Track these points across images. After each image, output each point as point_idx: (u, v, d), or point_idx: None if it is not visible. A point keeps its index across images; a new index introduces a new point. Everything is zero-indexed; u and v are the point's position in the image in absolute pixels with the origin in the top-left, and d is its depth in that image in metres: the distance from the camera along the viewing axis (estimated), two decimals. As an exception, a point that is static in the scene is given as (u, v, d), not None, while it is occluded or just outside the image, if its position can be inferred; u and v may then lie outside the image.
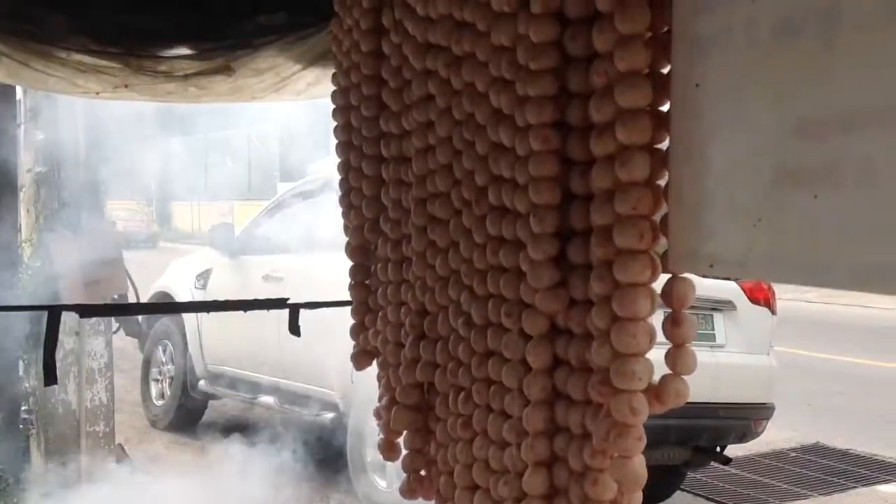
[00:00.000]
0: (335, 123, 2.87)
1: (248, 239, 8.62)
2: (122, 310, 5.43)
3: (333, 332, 6.10)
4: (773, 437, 8.27)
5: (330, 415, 7.28)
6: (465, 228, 2.19)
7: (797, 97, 1.44)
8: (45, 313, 2.92)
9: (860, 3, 1.33)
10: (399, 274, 2.52)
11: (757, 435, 6.91)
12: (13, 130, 7.17)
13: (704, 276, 1.78)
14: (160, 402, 9.20)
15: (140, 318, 8.89)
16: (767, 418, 6.82)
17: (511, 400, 1.99)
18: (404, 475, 2.48)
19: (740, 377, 6.56)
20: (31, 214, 7.32)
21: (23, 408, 6.54)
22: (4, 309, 4.81)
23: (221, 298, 7.05)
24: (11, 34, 3.13)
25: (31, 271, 6.80)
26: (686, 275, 1.74)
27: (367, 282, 2.75)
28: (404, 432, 2.49)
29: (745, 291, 6.66)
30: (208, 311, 6.61)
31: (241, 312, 6.97)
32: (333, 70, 2.93)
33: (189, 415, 9.01)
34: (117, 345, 8.26)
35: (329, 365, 6.97)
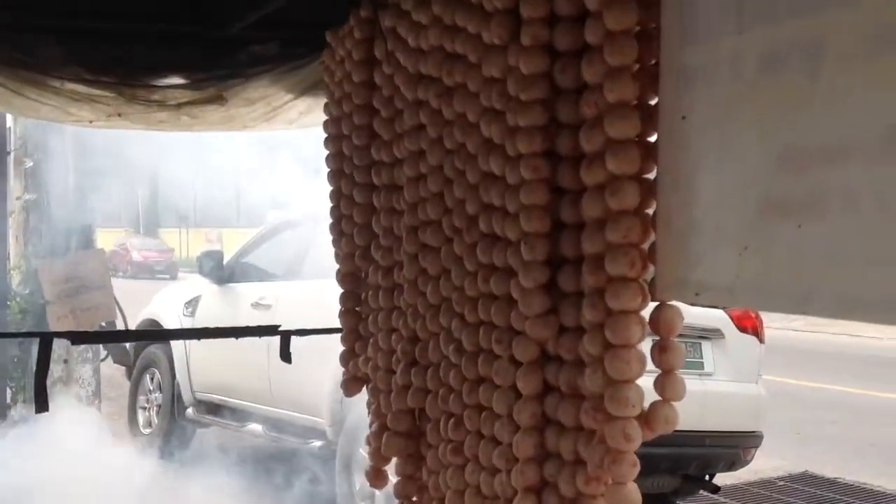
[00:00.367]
0: (327, 152, 2.90)
1: (236, 266, 8.61)
2: (113, 336, 5.43)
3: (322, 359, 6.10)
4: (762, 465, 8.27)
5: (318, 443, 7.25)
6: (456, 256, 2.21)
7: (782, 129, 1.47)
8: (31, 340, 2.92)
9: (843, 37, 1.37)
10: (390, 301, 2.53)
11: (746, 463, 6.91)
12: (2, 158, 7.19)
13: (692, 304, 1.80)
14: (147, 430, 9.14)
15: (128, 345, 8.87)
16: (756, 447, 6.83)
17: (501, 426, 2.01)
18: (396, 502, 2.48)
19: (729, 405, 6.57)
20: (19, 242, 7.32)
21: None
22: (-5, 336, 4.81)
23: (210, 326, 7.04)
24: (5, 63, 3.15)
25: (20, 298, 6.79)
26: (673, 303, 1.77)
27: (357, 309, 2.77)
28: (394, 459, 2.50)
29: (732, 320, 6.68)
30: (200, 339, 6.61)
31: (229, 340, 6.98)
32: (324, 100, 2.97)
33: (177, 443, 8.96)
34: (105, 372, 8.23)
35: (317, 392, 6.96)
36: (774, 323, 13.07)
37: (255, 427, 7.95)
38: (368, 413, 2.64)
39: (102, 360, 7.23)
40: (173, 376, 8.77)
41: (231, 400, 8.21)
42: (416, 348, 2.39)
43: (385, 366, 2.53)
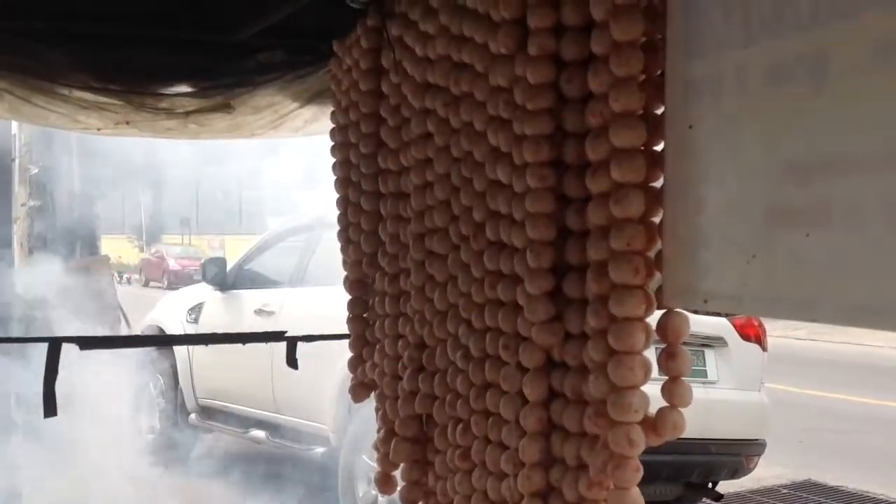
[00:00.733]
0: (333, 160, 2.93)
1: (239, 273, 8.64)
2: (122, 342, 5.44)
3: (325, 365, 6.12)
4: (765, 473, 8.27)
5: (321, 449, 7.26)
6: (462, 263, 2.23)
7: (788, 140, 1.49)
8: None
9: (847, 50, 1.39)
10: (397, 307, 2.55)
11: (749, 471, 6.92)
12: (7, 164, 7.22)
13: (695, 312, 1.82)
14: (150, 436, 9.15)
15: (131, 351, 8.88)
16: (759, 454, 6.83)
17: (508, 431, 2.03)
18: (401, 507, 2.50)
19: (732, 413, 6.58)
20: (24, 248, 7.35)
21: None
22: (4, 341, 4.83)
23: (214, 332, 7.06)
24: (13, 70, 3.17)
25: (24, 304, 6.82)
26: (679, 310, 1.78)
27: (364, 315, 2.79)
28: (401, 465, 2.52)
29: (735, 328, 6.70)
30: (208, 344, 6.63)
31: (232, 346, 6.99)
32: (331, 108, 2.99)
33: (179, 449, 8.97)
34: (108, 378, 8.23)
35: (320, 399, 6.97)
36: (777, 331, 13.08)
37: (258, 433, 7.96)
38: (376, 419, 2.66)
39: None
40: (176, 382, 8.78)
41: (234, 406, 8.22)
42: (423, 354, 2.41)
43: (392, 372, 2.55)
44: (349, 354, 2.87)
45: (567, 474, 1.89)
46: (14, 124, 7.35)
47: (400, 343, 2.52)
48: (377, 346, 2.66)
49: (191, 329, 8.60)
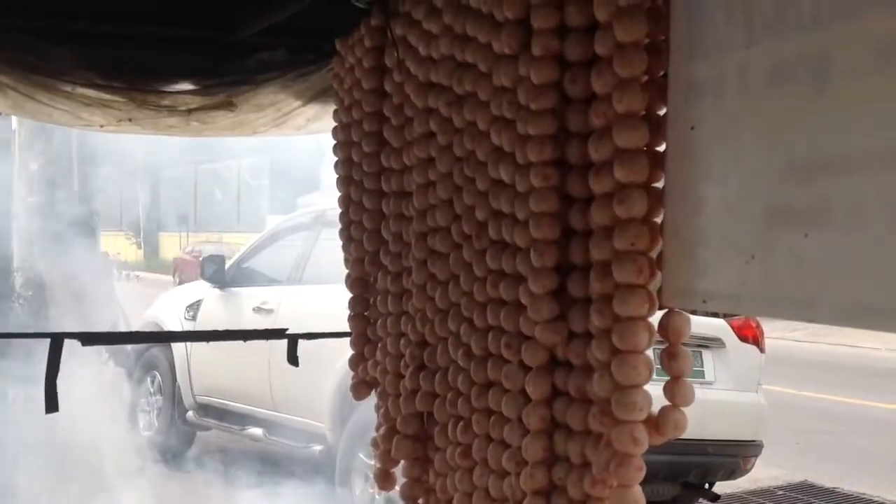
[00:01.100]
0: (336, 158, 2.94)
1: (238, 270, 8.64)
2: (123, 338, 5.45)
3: (323, 363, 6.12)
4: (761, 474, 8.29)
5: (318, 447, 7.27)
6: (465, 262, 2.24)
7: (789, 140, 1.50)
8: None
9: (849, 51, 1.40)
10: (399, 306, 2.57)
11: (745, 472, 6.93)
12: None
13: (694, 313, 1.84)
14: (147, 433, 9.16)
15: (129, 348, 8.89)
16: (756, 455, 6.85)
17: (510, 430, 2.04)
18: (402, 504, 2.51)
19: (729, 414, 6.60)
20: (24, 244, 7.35)
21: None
22: (5, 336, 4.83)
23: (211, 329, 7.06)
24: (17, 66, 3.18)
25: (23, 300, 6.82)
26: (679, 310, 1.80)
27: (366, 313, 2.80)
28: (401, 462, 2.53)
29: (733, 329, 6.71)
30: (209, 341, 6.64)
31: (230, 343, 7.00)
32: (333, 106, 3.00)
33: (177, 446, 8.97)
34: (106, 376, 8.24)
35: (318, 397, 6.98)
36: (774, 333, 13.09)
37: (256, 431, 7.97)
38: (377, 416, 2.67)
39: (104, 362, 7.25)
40: (174, 379, 8.79)
41: (232, 403, 8.23)
42: (424, 352, 2.42)
43: (394, 370, 2.56)
44: (347, 352, 2.88)
45: (571, 472, 1.90)
46: (14, 120, 7.35)
47: (402, 341, 2.53)
48: (379, 344, 2.67)
49: (189, 326, 8.60)
